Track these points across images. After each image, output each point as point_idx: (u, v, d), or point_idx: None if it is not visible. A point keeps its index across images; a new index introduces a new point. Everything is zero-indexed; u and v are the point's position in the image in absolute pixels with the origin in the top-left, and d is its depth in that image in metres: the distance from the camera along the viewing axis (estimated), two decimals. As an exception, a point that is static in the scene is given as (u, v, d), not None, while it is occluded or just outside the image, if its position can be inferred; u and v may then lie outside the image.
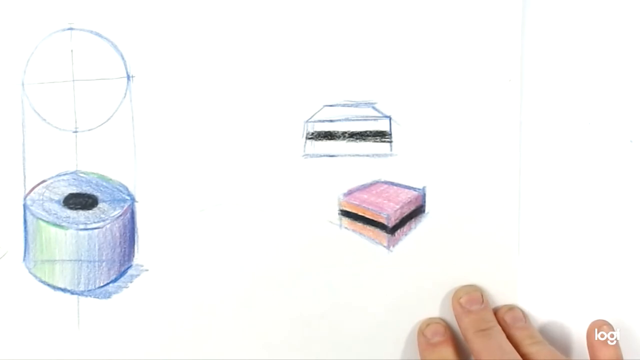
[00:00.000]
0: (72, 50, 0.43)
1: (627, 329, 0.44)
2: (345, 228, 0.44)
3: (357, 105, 0.44)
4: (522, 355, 0.41)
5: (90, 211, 0.44)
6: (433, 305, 0.44)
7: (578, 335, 0.44)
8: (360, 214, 0.44)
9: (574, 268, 0.44)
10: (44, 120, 0.43)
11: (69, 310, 0.44)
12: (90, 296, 0.44)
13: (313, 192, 0.44)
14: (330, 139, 0.44)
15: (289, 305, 0.45)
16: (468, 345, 0.42)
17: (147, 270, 0.44)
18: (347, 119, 0.44)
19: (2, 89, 0.43)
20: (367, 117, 0.44)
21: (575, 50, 0.44)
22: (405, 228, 0.44)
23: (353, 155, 0.44)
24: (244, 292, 0.44)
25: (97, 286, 0.44)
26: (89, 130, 0.44)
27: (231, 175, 0.44)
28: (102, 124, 0.44)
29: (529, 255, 0.44)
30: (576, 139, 0.44)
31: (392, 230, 0.44)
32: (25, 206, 0.44)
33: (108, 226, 0.44)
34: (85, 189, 0.44)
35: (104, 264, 0.44)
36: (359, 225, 0.44)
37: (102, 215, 0.44)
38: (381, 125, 0.44)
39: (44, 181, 0.44)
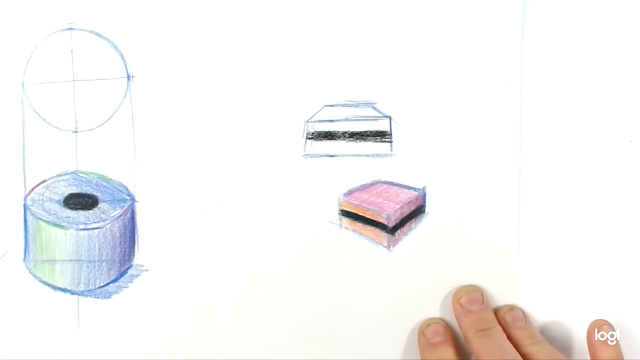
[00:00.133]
0: (72, 50, 0.43)
1: (627, 329, 0.44)
2: (345, 228, 0.44)
3: (357, 105, 0.44)
4: (522, 355, 0.41)
5: (90, 211, 0.44)
6: (433, 305, 0.44)
7: (578, 335, 0.44)
8: (360, 214, 0.44)
9: (574, 268, 0.44)
10: (44, 120, 0.43)
11: (69, 310, 0.44)
12: (90, 296, 0.44)
13: (313, 192, 0.44)
14: (330, 139, 0.44)
15: (289, 305, 0.45)
16: (468, 346, 0.42)
17: (147, 270, 0.44)
18: (347, 119, 0.44)
19: (2, 89, 0.43)
20: (367, 117, 0.44)
21: (575, 50, 0.44)
22: (405, 228, 0.44)
23: (353, 155, 0.44)
24: (244, 292, 0.44)
25: (97, 286, 0.44)
26: (89, 130, 0.44)
27: (231, 175, 0.44)
28: (102, 124, 0.44)
29: (529, 255, 0.44)
30: (576, 139, 0.44)
31: (392, 230, 0.44)
32: (25, 206, 0.44)
33: (108, 226, 0.44)
34: (85, 189, 0.44)
35: (104, 264, 0.44)
36: (359, 225, 0.44)
37: (102, 215, 0.44)
38: (381, 125, 0.44)
39: (44, 181, 0.44)
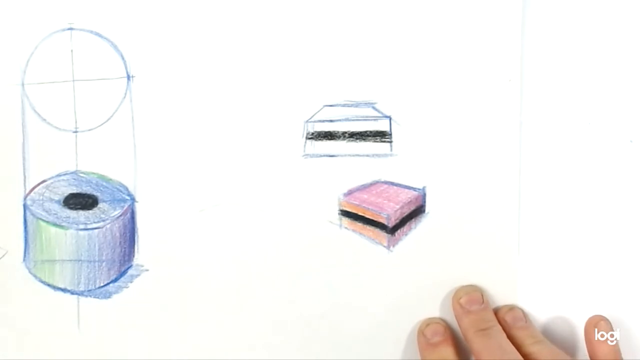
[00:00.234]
0: (72, 50, 0.43)
1: (628, 329, 0.44)
2: (345, 228, 0.44)
3: (357, 105, 0.44)
4: (524, 355, 0.41)
5: (90, 211, 0.44)
6: (433, 305, 0.44)
7: (579, 334, 0.44)
8: (360, 214, 0.44)
9: (574, 268, 0.44)
10: (44, 120, 0.43)
11: (69, 310, 0.44)
12: (90, 296, 0.44)
13: (313, 192, 0.44)
14: (330, 139, 0.44)
15: (289, 305, 0.45)
16: (468, 346, 0.42)
17: (147, 270, 0.44)
18: (347, 119, 0.44)
19: (2, 89, 0.43)
20: (367, 117, 0.44)
21: (575, 50, 0.44)
22: (405, 228, 0.44)
23: (353, 155, 0.44)
24: (243, 292, 0.44)
25: (97, 286, 0.44)
26: (89, 130, 0.44)
27: (231, 175, 0.44)
28: (102, 124, 0.44)
29: (529, 255, 0.44)
30: (576, 139, 0.44)
31: (392, 230, 0.44)
32: (25, 206, 0.44)
33: (108, 226, 0.44)
34: (85, 189, 0.44)
35: (104, 264, 0.44)
36: (359, 225, 0.44)
37: (102, 215, 0.44)
38: (381, 125, 0.44)
39: (44, 181, 0.44)
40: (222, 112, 0.44)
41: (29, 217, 0.44)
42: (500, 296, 0.44)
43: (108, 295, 0.44)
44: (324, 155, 0.44)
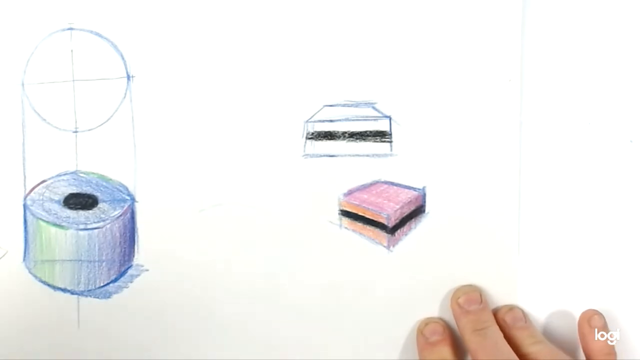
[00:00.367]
0: (72, 50, 0.43)
1: (628, 329, 0.44)
2: (345, 228, 0.44)
3: (357, 105, 0.44)
4: (523, 355, 0.41)
5: (90, 211, 0.44)
6: (432, 304, 0.44)
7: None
8: (360, 214, 0.44)
9: (574, 268, 0.44)
10: (44, 120, 0.43)
11: (69, 310, 0.44)
12: (90, 296, 0.44)
13: (313, 192, 0.44)
14: (330, 139, 0.44)
15: (289, 305, 0.44)
16: (466, 345, 0.42)
17: (147, 270, 0.44)
18: (347, 119, 0.44)
19: (2, 89, 0.43)
20: (367, 117, 0.44)
21: (575, 50, 0.44)
22: (405, 228, 0.44)
23: (353, 155, 0.44)
24: (243, 292, 0.44)
25: (97, 286, 0.44)
26: (89, 130, 0.44)
27: (231, 175, 0.44)
28: (102, 124, 0.44)
29: (529, 255, 0.44)
30: (576, 139, 0.44)
31: (392, 230, 0.44)
32: (25, 206, 0.44)
33: (108, 226, 0.44)
34: (85, 189, 0.44)
35: (104, 264, 0.44)
36: (359, 225, 0.44)
37: (102, 215, 0.44)
38: (381, 125, 0.44)
39: (44, 181, 0.44)
40: (222, 112, 0.44)
41: (29, 217, 0.44)
42: (500, 296, 0.44)
43: (108, 295, 0.44)
44: (324, 155, 0.44)
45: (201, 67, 0.43)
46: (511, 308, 0.44)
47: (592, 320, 0.43)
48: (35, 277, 0.44)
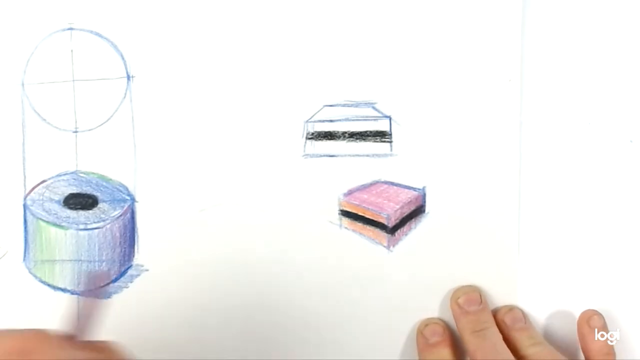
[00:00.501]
0: (72, 50, 0.43)
1: (628, 329, 0.44)
2: (345, 228, 0.44)
3: (357, 105, 0.44)
4: (522, 356, 0.41)
5: (90, 211, 0.44)
6: (432, 305, 0.44)
7: (578, 336, 0.44)
8: (360, 214, 0.44)
9: (574, 268, 0.44)
10: (44, 120, 0.43)
11: (69, 310, 0.44)
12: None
13: (313, 192, 0.44)
14: (330, 139, 0.44)
15: (289, 305, 0.44)
16: (464, 346, 0.42)
17: (147, 270, 0.44)
18: (347, 119, 0.44)
19: (2, 89, 0.43)
20: (367, 117, 0.44)
21: (575, 50, 0.44)
22: (405, 228, 0.44)
23: (353, 155, 0.44)
24: (243, 292, 0.44)
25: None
26: (89, 130, 0.44)
27: (231, 175, 0.44)
28: (102, 124, 0.44)
29: (529, 255, 0.44)
30: (576, 139, 0.44)
31: (392, 230, 0.44)
32: (25, 206, 0.44)
33: (108, 226, 0.44)
34: (85, 189, 0.44)
35: (104, 264, 0.44)
36: (359, 225, 0.44)
37: (102, 215, 0.44)
38: (381, 125, 0.44)
39: (44, 181, 0.44)
40: (222, 112, 0.44)
41: (29, 217, 0.44)
42: (500, 296, 0.44)
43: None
44: (324, 155, 0.44)
45: (201, 67, 0.43)
46: (511, 309, 0.44)
47: (592, 320, 0.43)
48: (35, 277, 0.44)
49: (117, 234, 0.44)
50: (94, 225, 0.44)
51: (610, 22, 0.44)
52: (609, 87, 0.44)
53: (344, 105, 0.44)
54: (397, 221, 0.44)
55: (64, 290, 0.44)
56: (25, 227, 0.44)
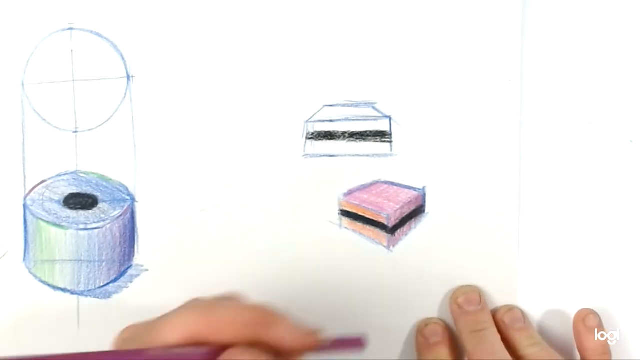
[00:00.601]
0: (72, 50, 0.43)
1: (628, 329, 0.44)
2: (345, 228, 0.44)
3: (357, 105, 0.44)
4: (520, 357, 0.41)
5: (90, 211, 0.44)
6: (432, 305, 0.44)
7: (578, 336, 0.44)
8: (360, 214, 0.44)
9: (574, 268, 0.44)
10: (44, 120, 0.43)
11: (69, 310, 0.44)
12: (90, 296, 0.44)
13: (313, 192, 0.44)
14: (330, 139, 0.44)
15: (289, 305, 0.44)
16: (463, 346, 0.42)
17: (147, 270, 0.44)
18: (347, 119, 0.44)
19: (2, 89, 0.43)
20: (367, 117, 0.44)
21: (575, 50, 0.44)
22: (405, 228, 0.44)
23: (353, 155, 0.44)
24: (243, 292, 0.44)
25: (97, 286, 0.44)
26: (89, 130, 0.44)
27: (231, 175, 0.44)
28: (102, 124, 0.44)
29: (529, 255, 0.44)
30: (576, 139, 0.44)
31: (392, 230, 0.44)
32: (25, 206, 0.44)
33: (108, 226, 0.44)
34: (85, 189, 0.44)
35: (104, 264, 0.44)
36: (359, 225, 0.44)
37: (102, 215, 0.44)
38: (381, 125, 0.44)
39: (44, 181, 0.44)
40: (222, 112, 0.44)
41: (29, 217, 0.44)
42: (500, 296, 0.44)
43: (108, 295, 0.44)
44: (324, 155, 0.44)
45: (201, 67, 0.43)
46: (510, 308, 0.44)
47: (587, 319, 0.43)
48: (35, 277, 0.44)
49: (117, 234, 0.44)
50: (94, 225, 0.44)
51: (610, 22, 0.44)
52: (609, 87, 0.44)
53: (344, 105, 0.44)
54: (397, 221, 0.44)
55: (64, 290, 0.44)
56: (25, 227, 0.44)
